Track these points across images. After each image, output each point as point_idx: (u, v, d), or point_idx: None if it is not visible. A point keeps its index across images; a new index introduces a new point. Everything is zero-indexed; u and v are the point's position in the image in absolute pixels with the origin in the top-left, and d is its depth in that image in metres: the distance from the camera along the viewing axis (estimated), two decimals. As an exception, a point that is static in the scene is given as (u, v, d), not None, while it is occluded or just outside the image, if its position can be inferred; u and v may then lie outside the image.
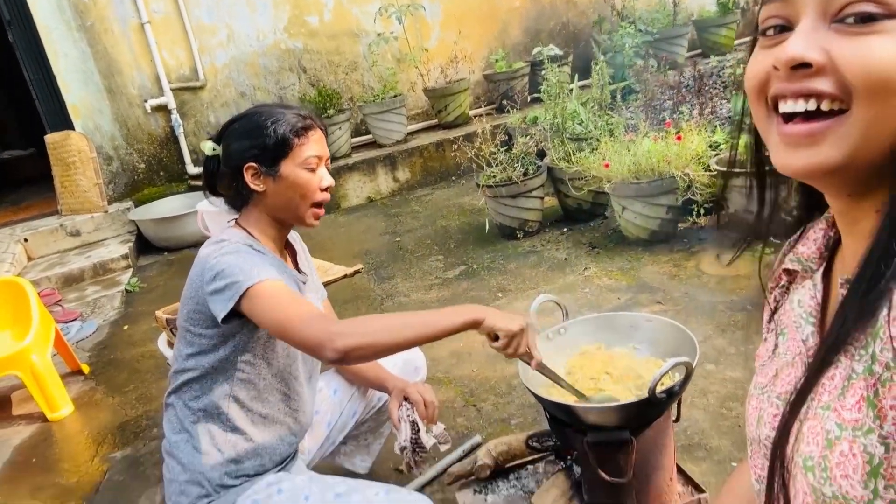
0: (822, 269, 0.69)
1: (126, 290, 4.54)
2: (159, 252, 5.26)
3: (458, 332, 1.31)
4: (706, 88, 4.22)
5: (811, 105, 0.56)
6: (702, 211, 3.48)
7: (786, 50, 0.56)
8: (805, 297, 0.69)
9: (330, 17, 5.87)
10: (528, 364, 1.41)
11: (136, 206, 5.51)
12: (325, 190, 1.50)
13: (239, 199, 1.50)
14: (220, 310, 1.34)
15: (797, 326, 0.68)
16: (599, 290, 3.14)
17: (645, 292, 3.03)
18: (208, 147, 1.48)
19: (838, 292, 0.62)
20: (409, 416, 1.74)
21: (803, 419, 0.61)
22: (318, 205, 1.50)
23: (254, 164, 1.44)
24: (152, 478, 2.45)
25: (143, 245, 5.33)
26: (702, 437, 2.04)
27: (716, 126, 3.78)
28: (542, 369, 1.46)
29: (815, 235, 0.71)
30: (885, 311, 0.53)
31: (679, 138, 3.36)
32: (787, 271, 0.75)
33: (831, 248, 0.70)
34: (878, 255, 0.55)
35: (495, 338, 1.35)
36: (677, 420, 1.69)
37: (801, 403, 0.61)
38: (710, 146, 3.47)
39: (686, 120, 3.66)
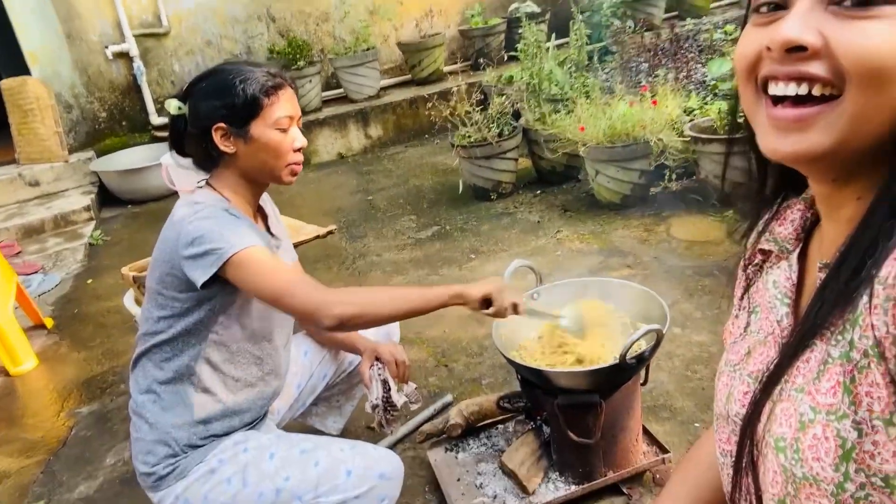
0: (797, 251, 0.69)
1: (89, 244, 4.42)
2: (123, 205, 5.12)
3: (445, 306, 1.40)
4: (682, 52, 4.20)
5: (803, 89, 0.54)
6: (674, 176, 3.51)
7: (781, 31, 0.54)
8: (780, 277, 0.69)
9: (301, -37, 5.66)
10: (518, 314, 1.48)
11: (97, 157, 5.32)
12: (298, 150, 1.47)
13: (209, 160, 1.46)
14: (200, 275, 1.33)
15: (771, 307, 0.69)
16: (571, 254, 3.17)
17: (615, 256, 3.06)
18: (173, 106, 1.43)
19: (816, 276, 0.62)
20: (380, 375, 1.75)
21: (776, 400, 0.61)
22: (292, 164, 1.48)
23: (223, 125, 1.40)
24: (120, 433, 2.44)
25: (106, 197, 5.18)
26: (667, 399, 2.10)
27: (690, 91, 3.78)
28: (531, 314, 1.53)
29: (793, 216, 0.70)
30: (865, 299, 0.52)
31: (654, 103, 3.36)
32: (762, 251, 0.74)
33: (808, 230, 0.70)
34: (862, 243, 0.54)
35: (485, 306, 1.41)
36: (645, 383, 1.74)
37: (775, 384, 0.61)
38: (685, 111, 3.48)
39: (661, 84, 3.65)
